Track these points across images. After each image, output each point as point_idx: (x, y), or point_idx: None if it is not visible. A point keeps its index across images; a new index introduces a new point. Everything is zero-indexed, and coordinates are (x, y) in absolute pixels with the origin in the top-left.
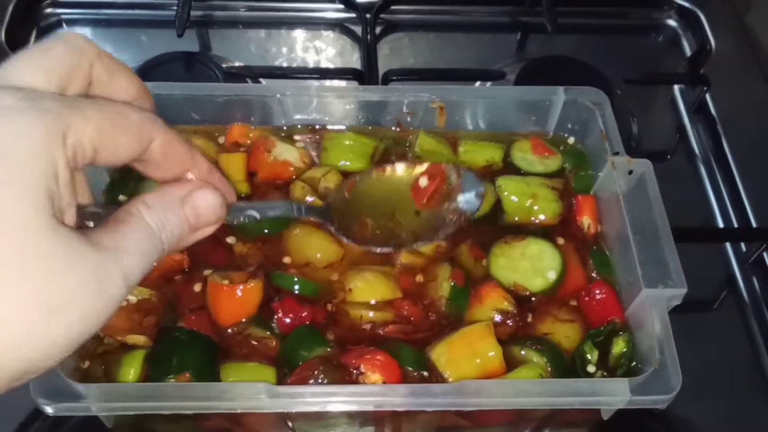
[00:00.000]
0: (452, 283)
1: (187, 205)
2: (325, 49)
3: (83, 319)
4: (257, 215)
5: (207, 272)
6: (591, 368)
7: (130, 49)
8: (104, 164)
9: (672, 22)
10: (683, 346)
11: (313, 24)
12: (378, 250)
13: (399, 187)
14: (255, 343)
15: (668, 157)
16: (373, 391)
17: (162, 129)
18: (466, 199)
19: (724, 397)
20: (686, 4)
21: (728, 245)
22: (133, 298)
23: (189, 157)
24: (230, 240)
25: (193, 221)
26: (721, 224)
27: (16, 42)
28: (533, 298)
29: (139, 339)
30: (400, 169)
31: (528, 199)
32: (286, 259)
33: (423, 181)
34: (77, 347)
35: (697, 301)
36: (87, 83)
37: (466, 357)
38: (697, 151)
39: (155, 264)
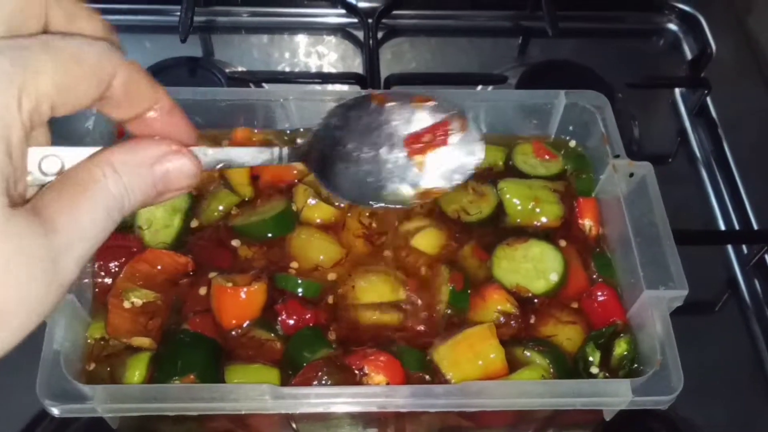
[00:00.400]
0: (451, 287)
1: (158, 170)
2: (327, 54)
3: (37, 312)
4: (231, 164)
5: (212, 275)
6: (594, 369)
7: (134, 54)
8: (62, 115)
9: (673, 26)
10: (685, 348)
11: (315, 29)
12: (372, 204)
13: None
14: (259, 345)
15: (669, 159)
16: (377, 392)
17: (122, 64)
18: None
19: (726, 398)
20: (687, 8)
21: (730, 247)
22: (138, 301)
23: (152, 92)
24: (235, 243)
25: (161, 188)
26: (722, 226)
27: None
28: (535, 300)
29: (144, 341)
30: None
31: (530, 202)
32: (294, 265)
33: (426, 138)
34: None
35: (699, 303)
36: (41, 28)
37: (469, 358)
38: (698, 153)
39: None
